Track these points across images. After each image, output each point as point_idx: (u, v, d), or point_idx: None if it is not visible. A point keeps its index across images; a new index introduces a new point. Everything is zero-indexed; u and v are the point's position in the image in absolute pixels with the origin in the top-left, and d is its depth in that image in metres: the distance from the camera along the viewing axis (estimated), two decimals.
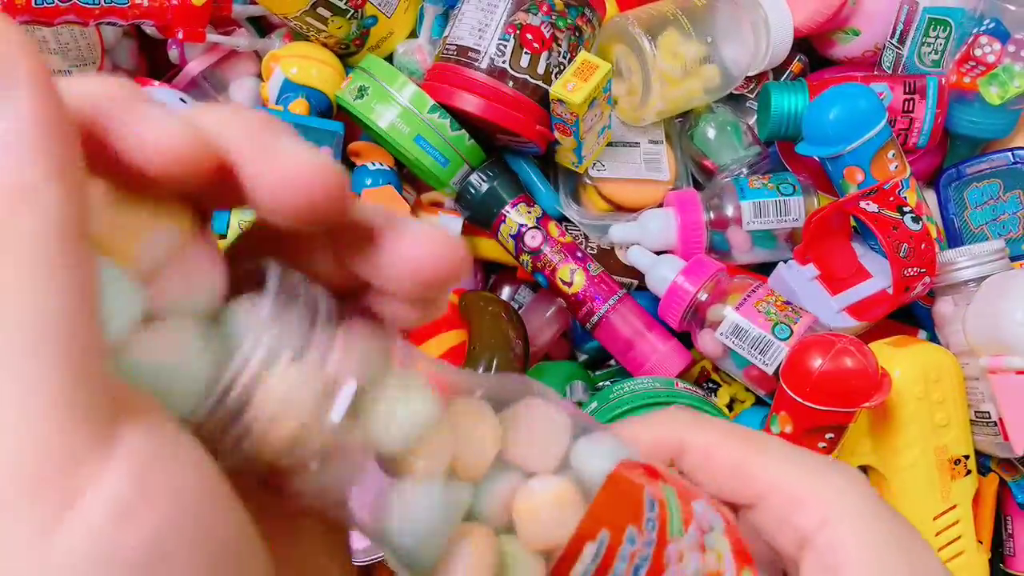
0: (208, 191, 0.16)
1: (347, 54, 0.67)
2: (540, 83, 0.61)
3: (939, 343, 0.61)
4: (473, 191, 0.65)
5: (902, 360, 0.56)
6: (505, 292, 0.73)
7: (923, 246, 0.56)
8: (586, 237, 0.67)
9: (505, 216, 0.65)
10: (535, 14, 0.61)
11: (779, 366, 0.55)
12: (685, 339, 0.64)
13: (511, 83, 0.61)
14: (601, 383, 0.67)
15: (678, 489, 0.22)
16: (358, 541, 0.60)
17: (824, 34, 0.69)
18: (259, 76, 0.69)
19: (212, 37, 0.65)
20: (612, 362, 0.70)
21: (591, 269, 0.64)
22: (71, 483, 0.13)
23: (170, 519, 0.13)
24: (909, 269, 0.56)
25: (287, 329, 0.16)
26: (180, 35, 0.62)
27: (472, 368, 0.58)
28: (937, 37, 0.65)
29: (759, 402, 0.64)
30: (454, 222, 0.67)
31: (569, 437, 0.21)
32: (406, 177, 0.69)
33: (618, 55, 0.64)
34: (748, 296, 0.59)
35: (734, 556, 0.22)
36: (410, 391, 0.18)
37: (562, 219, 0.66)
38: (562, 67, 0.61)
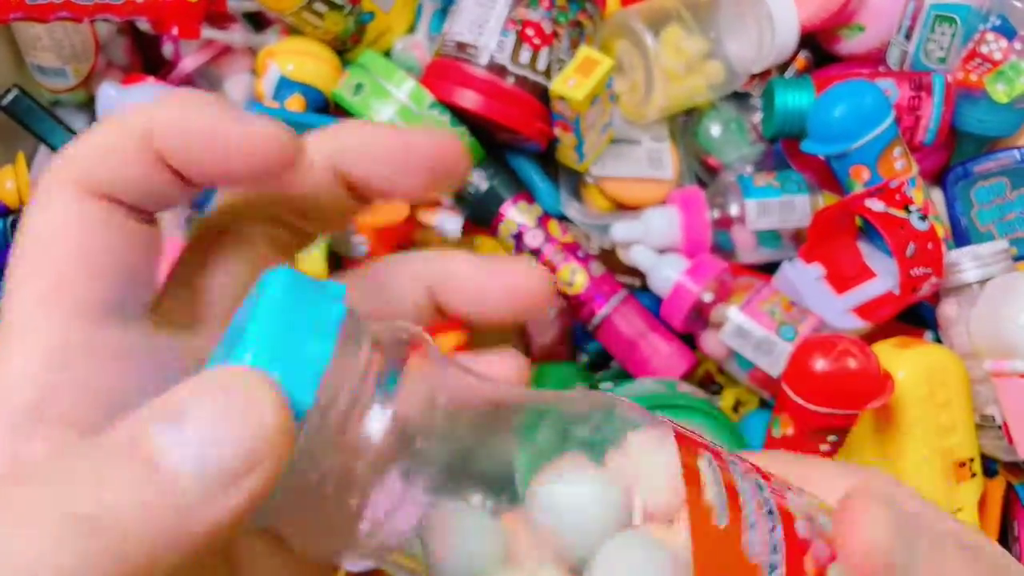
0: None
1: (344, 50, 0.67)
2: (541, 79, 0.60)
3: (944, 345, 0.60)
4: (472, 189, 0.64)
5: (906, 361, 0.55)
6: None
7: (930, 245, 0.56)
8: (587, 236, 0.66)
9: (505, 215, 0.64)
10: (535, 9, 0.60)
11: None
12: (689, 340, 0.63)
13: (511, 79, 0.60)
14: (603, 385, 0.66)
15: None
16: None
17: (829, 30, 0.68)
18: (254, 72, 0.68)
19: (207, 33, 0.64)
20: (614, 364, 0.69)
21: (592, 269, 0.63)
22: None
23: None
24: (916, 269, 0.56)
25: None
26: (175, 31, 0.61)
27: None
28: (943, 34, 0.64)
29: (763, 404, 0.64)
30: (453, 221, 0.66)
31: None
32: None
33: (620, 51, 0.63)
34: (752, 296, 0.58)
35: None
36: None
37: (563, 218, 0.66)
38: (563, 63, 0.61)
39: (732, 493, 0.17)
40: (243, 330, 0.15)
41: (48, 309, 0.16)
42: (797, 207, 0.62)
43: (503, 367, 0.21)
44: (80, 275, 0.16)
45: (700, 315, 0.60)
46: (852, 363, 0.49)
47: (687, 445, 0.18)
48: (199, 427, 0.13)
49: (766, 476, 0.20)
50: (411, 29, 0.69)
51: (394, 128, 0.20)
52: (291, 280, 0.16)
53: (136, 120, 0.16)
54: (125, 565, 0.12)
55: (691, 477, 0.17)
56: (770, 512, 0.18)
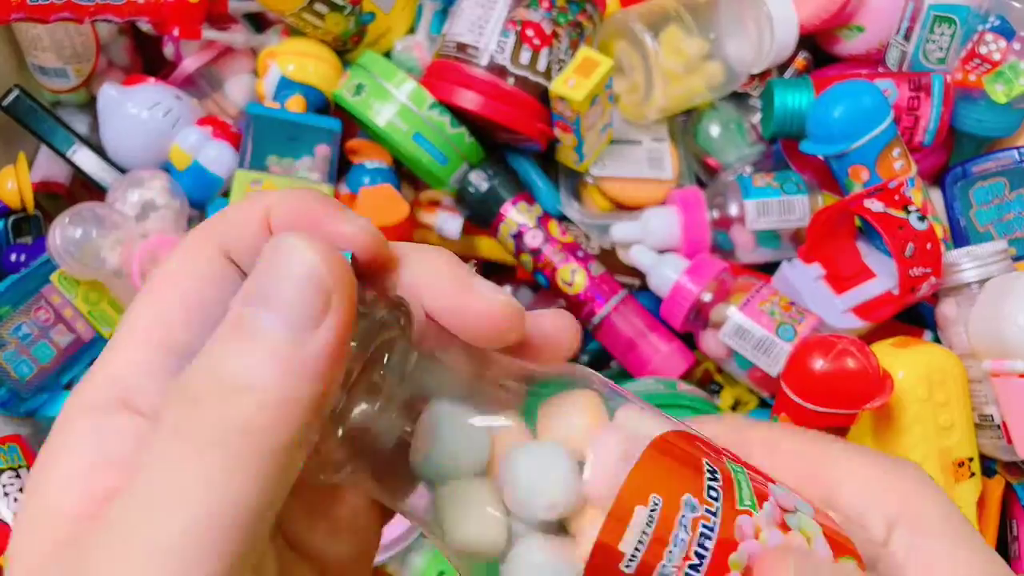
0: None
1: (345, 51, 0.67)
2: (541, 80, 0.60)
3: (943, 344, 0.60)
4: (472, 190, 0.64)
5: (905, 361, 0.55)
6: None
7: (929, 246, 0.56)
8: (587, 237, 0.66)
9: (505, 215, 0.64)
10: (535, 10, 0.60)
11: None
12: (688, 340, 0.63)
13: (511, 80, 0.60)
14: None
15: (749, 469, 0.21)
16: None
17: (828, 31, 0.68)
18: (255, 73, 0.69)
19: (208, 34, 0.64)
20: (613, 363, 0.70)
21: (592, 269, 0.63)
22: None
23: None
24: (915, 269, 0.56)
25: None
26: (176, 32, 0.61)
27: None
28: (942, 34, 0.64)
29: (763, 404, 0.64)
30: (453, 221, 0.66)
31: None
32: (405, 175, 0.68)
33: (620, 51, 0.64)
34: (752, 296, 0.58)
35: (829, 543, 0.20)
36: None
37: (563, 218, 0.66)
38: (563, 64, 0.61)
39: (662, 533, 0.19)
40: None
41: (138, 339, 0.19)
42: (796, 207, 0.62)
43: (552, 323, 0.23)
44: (176, 317, 0.19)
45: (699, 315, 0.60)
46: (851, 363, 0.49)
47: (652, 461, 0.20)
48: (278, 296, 0.17)
49: (760, 488, 0.21)
50: (411, 30, 0.69)
51: (457, 283, 0.21)
52: None
53: (260, 198, 0.20)
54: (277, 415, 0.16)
55: (624, 505, 0.19)
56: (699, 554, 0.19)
